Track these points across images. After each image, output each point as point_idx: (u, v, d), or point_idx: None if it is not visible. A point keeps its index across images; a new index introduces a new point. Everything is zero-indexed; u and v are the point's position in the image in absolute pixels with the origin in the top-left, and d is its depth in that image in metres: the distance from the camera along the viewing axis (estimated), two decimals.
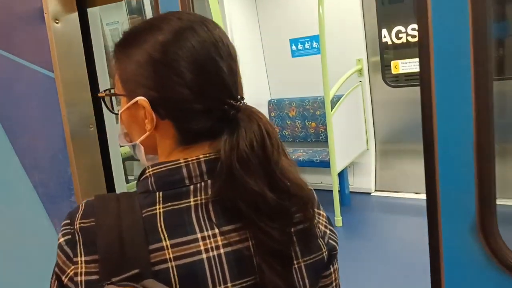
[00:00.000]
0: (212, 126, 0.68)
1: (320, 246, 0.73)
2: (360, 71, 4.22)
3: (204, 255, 0.64)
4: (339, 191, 3.76)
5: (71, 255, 0.65)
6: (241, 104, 0.69)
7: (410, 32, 4.07)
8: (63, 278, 0.66)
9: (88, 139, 1.58)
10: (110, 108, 0.83)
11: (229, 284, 0.65)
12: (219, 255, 0.65)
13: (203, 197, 0.66)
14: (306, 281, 0.70)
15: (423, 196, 4.26)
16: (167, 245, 0.63)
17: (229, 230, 0.66)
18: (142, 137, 0.71)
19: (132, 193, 0.69)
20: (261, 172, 0.65)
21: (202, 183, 0.67)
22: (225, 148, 0.65)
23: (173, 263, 0.63)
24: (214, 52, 0.67)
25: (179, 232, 0.64)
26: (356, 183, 4.38)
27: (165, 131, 0.69)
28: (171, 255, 0.63)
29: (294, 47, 4.52)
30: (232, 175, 0.64)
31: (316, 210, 0.75)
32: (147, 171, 0.69)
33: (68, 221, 0.67)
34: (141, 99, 0.67)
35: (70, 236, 0.66)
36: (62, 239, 0.66)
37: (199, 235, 0.65)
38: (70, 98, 1.52)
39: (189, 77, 0.65)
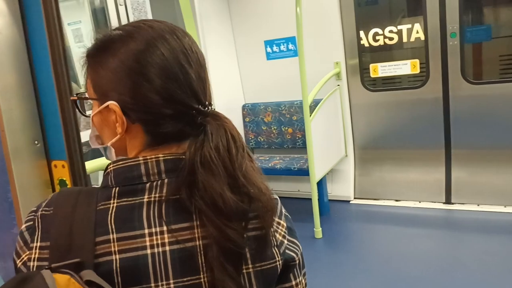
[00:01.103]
0: (180, 129, 0.71)
1: (273, 255, 0.73)
2: (338, 75, 4.06)
3: (148, 251, 0.66)
4: (317, 199, 3.58)
5: (29, 241, 0.68)
6: (208, 110, 0.72)
7: (387, 34, 3.95)
8: (17, 262, 0.69)
9: (33, 158, 1.31)
10: (82, 112, 0.87)
11: (171, 281, 0.66)
12: (164, 252, 0.66)
13: (157, 195, 0.68)
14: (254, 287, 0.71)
15: (403, 204, 4.17)
16: (113, 238, 0.66)
17: (179, 229, 0.67)
18: (113, 140, 0.74)
19: (95, 188, 0.72)
20: (223, 174, 0.67)
21: (159, 181, 0.69)
22: (190, 150, 0.68)
23: (117, 256, 0.65)
24: (183, 60, 0.70)
25: (127, 226, 0.66)
26: (334, 190, 4.22)
27: (135, 133, 0.72)
28: (116, 248, 0.65)
29: (269, 49, 4.32)
30: (193, 174, 0.66)
31: (276, 219, 0.76)
32: (109, 167, 0.72)
33: (35, 208, 0.71)
34: (112, 103, 0.70)
35: (31, 223, 0.69)
36: (24, 226, 0.70)
37: (146, 231, 0.66)
38: (10, 109, 1.26)
39: (159, 83, 0.68)
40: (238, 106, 4.54)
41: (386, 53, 4.03)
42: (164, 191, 0.68)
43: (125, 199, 0.68)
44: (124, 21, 3.44)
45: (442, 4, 3.62)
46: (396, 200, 4.01)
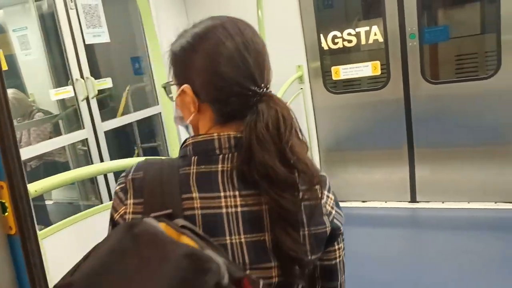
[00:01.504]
0: (240, 109, 0.82)
1: (324, 222, 0.86)
2: (300, 78, 4.03)
3: (224, 210, 0.79)
4: None
5: (123, 198, 0.83)
6: (263, 91, 0.83)
7: (346, 37, 3.96)
8: (115, 215, 0.84)
9: None
10: (170, 98, 1.00)
11: (242, 236, 0.79)
12: (236, 212, 0.79)
13: (229, 165, 0.81)
14: (308, 246, 0.83)
15: (370, 204, 4.15)
16: (195, 196, 0.79)
17: (247, 194, 0.80)
18: (190, 117, 0.87)
19: (174, 158, 0.86)
20: (273, 149, 0.77)
21: (230, 155, 0.81)
22: (246, 128, 0.79)
23: (199, 212, 0.79)
24: (243, 49, 0.83)
25: (206, 188, 0.79)
26: None
27: (204, 111, 0.86)
28: (198, 205, 0.79)
29: None
30: (250, 150, 0.78)
31: (325, 192, 0.89)
32: (187, 141, 0.85)
33: (124, 174, 0.86)
34: (185, 86, 0.85)
35: (124, 185, 0.84)
36: (117, 187, 0.85)
37: (222, 194, 0.79)
38: None
39: (223, 69, 0.82)
40: None
41: (347, 55, 4.04)
42: (234, 162, 0.81)
43: (203, 166, 0.81)
44: (76, 26, 3.22)
45: (401, 5, 3.67)
46: (363, 201, 4.03)
